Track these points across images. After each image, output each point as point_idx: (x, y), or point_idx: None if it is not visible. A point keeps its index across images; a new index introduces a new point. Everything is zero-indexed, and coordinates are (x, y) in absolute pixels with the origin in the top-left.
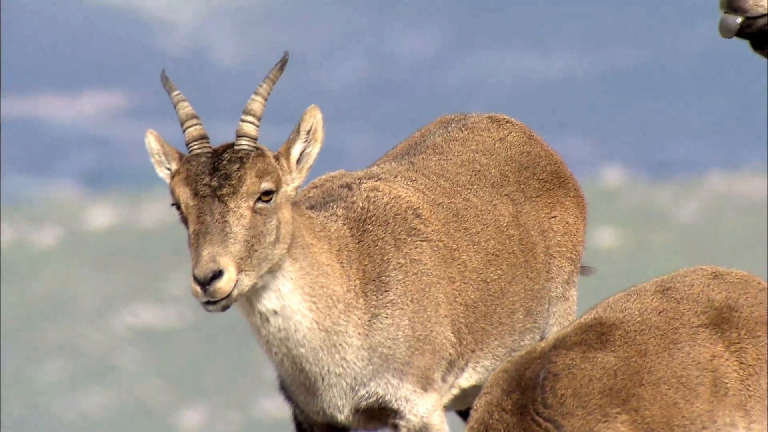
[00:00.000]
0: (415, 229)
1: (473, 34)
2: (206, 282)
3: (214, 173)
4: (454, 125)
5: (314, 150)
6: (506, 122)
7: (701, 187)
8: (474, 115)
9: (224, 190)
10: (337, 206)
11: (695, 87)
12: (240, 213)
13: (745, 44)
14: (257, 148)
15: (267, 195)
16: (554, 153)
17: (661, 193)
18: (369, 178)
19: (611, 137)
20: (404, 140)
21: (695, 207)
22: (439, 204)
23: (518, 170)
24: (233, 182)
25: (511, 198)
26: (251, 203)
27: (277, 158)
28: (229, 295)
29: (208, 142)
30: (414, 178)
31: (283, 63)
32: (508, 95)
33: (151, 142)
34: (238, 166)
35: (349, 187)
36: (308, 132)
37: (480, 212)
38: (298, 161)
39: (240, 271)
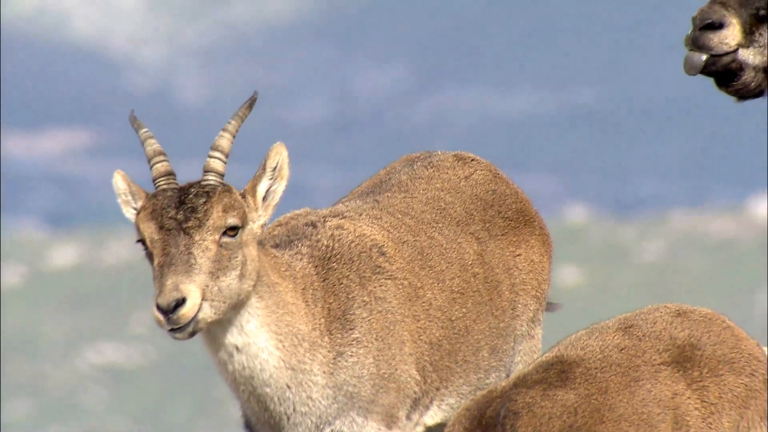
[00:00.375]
0: (379, 267)
1: (438, 72)
2: (169, 310)
3: (180, 207)
4: (419, 163)
5: (280, 187)
6: (472, 160)
7: (665, 225)
8: (439, 153)
9: (190, 223)
10: (302, 244)
11: (660, 126)
12: (205, 245)
13: (710, 82)
14: (224, 184)
15: (233, 230)
16: (520, 191)
17: (626, 231)
18: (334, 216)
19: (576, 176)
20: (369, 178)
21: (659, 245)
22: (404, 242)
23: (483, 208)
24: (199, 215)
25: (477, 236)
26: (217, 237)
27: (243, 195)
28: (193, 320)
29: (175, 179)
30: (379, 216)
31: (252, 101)
32: (474, 133)
33: (118, 181)
34: (204, 200)
35: (313, 225)
36: (274, 169)
37: (445, 250)
38: (264, 198)
39: (204, 299)
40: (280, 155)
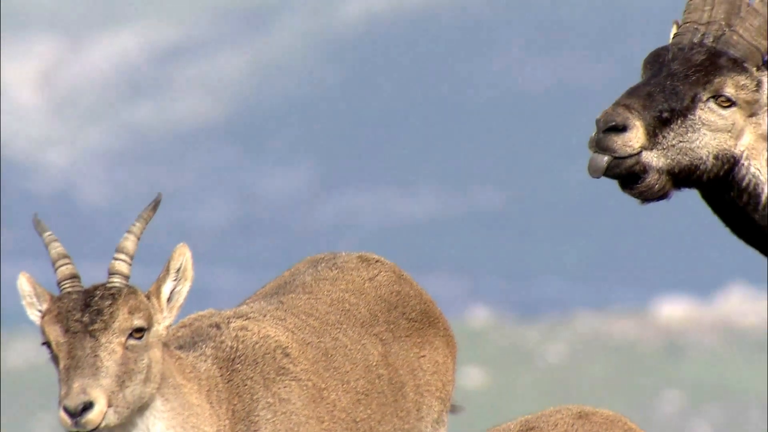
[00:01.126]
0: (284, 368)
1: (342, 174)
2: (77, 413)
3: (86, 309)
4: (323, 264)
5: (184, 288)
6: (376, 261)
7: (568, 327)
8: (343, 254)
9: (96, 326)
10: (207, 346)
11: (564, 227)
12: (112, 348)
13: (614, 184)
14: (129, 286)
15: (139, 332)
16: (424, 292)
17: (529, 333)
18: (238, 317)
19: (480, 277)
20: (274, 279)
21: (562, 347)
22: (309, 343)
23: (388, 310)
24: (105, 318)
25: (381, 337)
26: (123, 339)
27: (148, 297)
28: (97, 428)
29: (80, 281)
30: (283, 317)
31: (156, 203)
32: (378, 234)
33: (23, 284)
34: (110, 302)
35: (218, 326)
36: (178, 270)
37: (349, 351)
38: (169, 300)
39: (109, 404)
40: (183, 256)
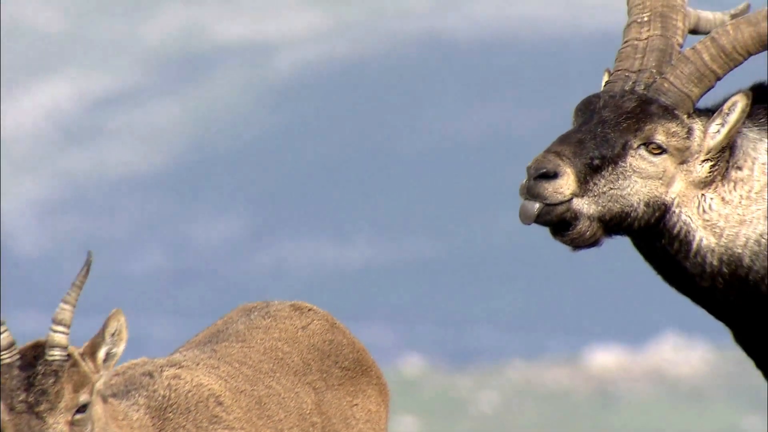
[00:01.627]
0: (216, 416)
1: (275, 223)
2: None
3: (30, 389)
4: (256, 313)
5: (119, 349)
6: (309, 310)
7: (501, 375)
8: (276, 302)
9: (41, 407)
10: (139, 395)
11: (497, 276)
12: (59, 429)
13: (545, 231)
14: (69, 356)
15: (84, 407)
16: (357, 341)
17: (462, 382)
18: (171, 366)
19: (413, 326)
20: (207, 328)
21: (495, 395)
22: (242, 391)
23: (321, 358)
24: (50, 398)
25: (314, 386)
26: (69, 417)
27: (83, 356)
28: None
29: (17, 348)
30: (216, 366)
31: (88, 265)
32: (311, 283)
33: None
34: (53, 380)
35: (150, 375)
36: (113, 334)
37: (283, 400)
38: (105, 360)
39: None
40: (118, 322)
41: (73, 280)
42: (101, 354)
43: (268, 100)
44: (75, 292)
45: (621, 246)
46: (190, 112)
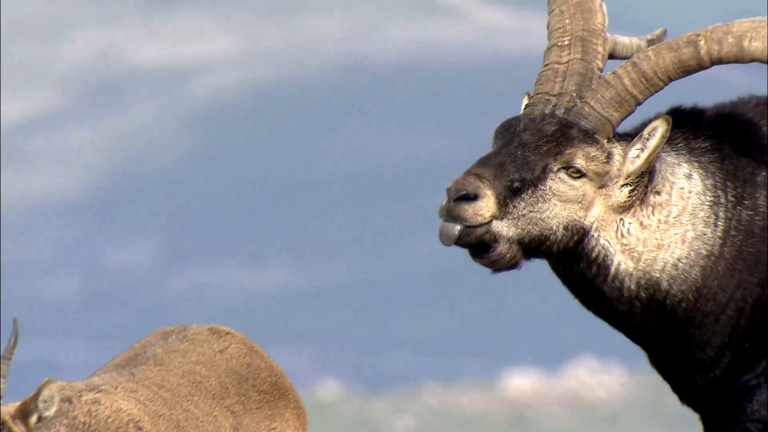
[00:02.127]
0: None
1: (191, 247)
2: None
3: None
4: (174, 336)
5: (50, 413)
6: (226, 333)
7: (417, 400)
8: (194, 326)
9: None
10: (59, 422)
11: (414, 300)
12: None
13: (465, 254)
14: (3, 423)
15: None
16: (274, 364)
17: (378, 406)
18: (90, 390)
19: (330, 350)
20: (124, 351)
21: (410, 419)
22: (161, 415)
23: (239, 382)
24: None
25: (232, 410)
26: None
27: (14, 419)
28: None
29: None
30: (135, 389)
31: (15, 337)
32: (228, 307)
33: None
34: None
35: (69, 400)
36: (45, 402)
37: (201, 423)
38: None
39: None
40: (50, 390)
41: (3, 352)
42: (33, 420)
43: (184, 124)
44: (5, 364)
45: (537, 269)
46: (107, 135)
